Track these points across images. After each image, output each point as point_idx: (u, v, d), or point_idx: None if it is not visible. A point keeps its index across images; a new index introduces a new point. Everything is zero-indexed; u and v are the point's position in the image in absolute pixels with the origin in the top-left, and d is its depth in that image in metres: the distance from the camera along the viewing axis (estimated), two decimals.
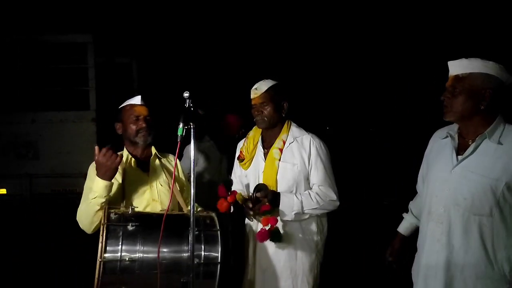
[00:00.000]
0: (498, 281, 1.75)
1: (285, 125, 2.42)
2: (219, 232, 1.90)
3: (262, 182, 2.34)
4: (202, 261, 1.83)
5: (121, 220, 1.87)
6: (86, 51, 6.07)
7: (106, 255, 1.77)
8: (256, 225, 2.38)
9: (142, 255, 1.81)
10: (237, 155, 2.56)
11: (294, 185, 2.34)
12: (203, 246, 1.86)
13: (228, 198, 2.35)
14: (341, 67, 10.19)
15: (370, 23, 8.69)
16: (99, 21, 6.94)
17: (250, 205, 2.27)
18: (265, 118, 2.36)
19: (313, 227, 2.36)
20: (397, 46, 8.88)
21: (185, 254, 1.82)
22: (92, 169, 2.21)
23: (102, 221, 1.84)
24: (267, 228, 2.23)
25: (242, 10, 8.12)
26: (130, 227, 1.84)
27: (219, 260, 1.84)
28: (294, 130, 2.42)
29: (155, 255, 1.80)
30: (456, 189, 1.78)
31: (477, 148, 1.76)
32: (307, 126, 2.48)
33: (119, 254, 1.78)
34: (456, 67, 1.80)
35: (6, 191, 5.89)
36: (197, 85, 6.92)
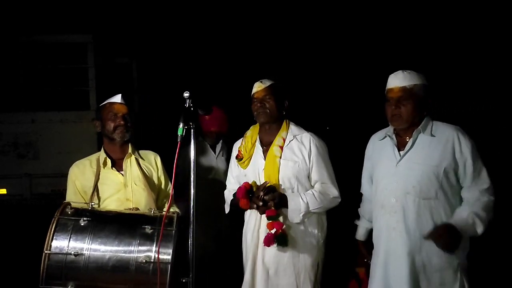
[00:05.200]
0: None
1: (284, 124, 2.45)
2: (174, 231, 1.86)
3: (272, 184, 2.31)
4: (152, 260, 1.79)
5: (75, 214, 1.87)
6: (86, 51, 6.06)
7: (52, 248, 1.77)
8: (257, 223, 2.37)
9: (89, 251, 1.79)
10: (234, 154, 2.56)
11: (296, 183, 2.35)
12: (154, 246, 1.82)
13: (237, 192, 2.32)
14: (341, 67, 10.20)
15: (370, 24, 8.69)
16: (99, 21, 6.94)
17: (260, 204, 2.25)
18: (268, 111, 2.37)
19: (314, 224, 2.38)
20: (397, 46, 8.88)
21: (132, 255, 1.80)
22: (71, 173, 2.31)
23: (55, 214, 1.85)
24: (272, 232, 2.23)
25: (241, 10, 8.13)
26: (82, 222, 1.84)
27: (169, 260, 1.79)
28: (293, 128, 2.44)
29: (104, 252, 1.80)
30: (404, 180, 2.01)
31: (414, 142, 2.02)
32: (306, 125, 2.48)
33: (66, 247, 1.78)
34: (402, 79, 2.02)
35: (6, 191, 5.87)
36: (197, 85, 6.92)
